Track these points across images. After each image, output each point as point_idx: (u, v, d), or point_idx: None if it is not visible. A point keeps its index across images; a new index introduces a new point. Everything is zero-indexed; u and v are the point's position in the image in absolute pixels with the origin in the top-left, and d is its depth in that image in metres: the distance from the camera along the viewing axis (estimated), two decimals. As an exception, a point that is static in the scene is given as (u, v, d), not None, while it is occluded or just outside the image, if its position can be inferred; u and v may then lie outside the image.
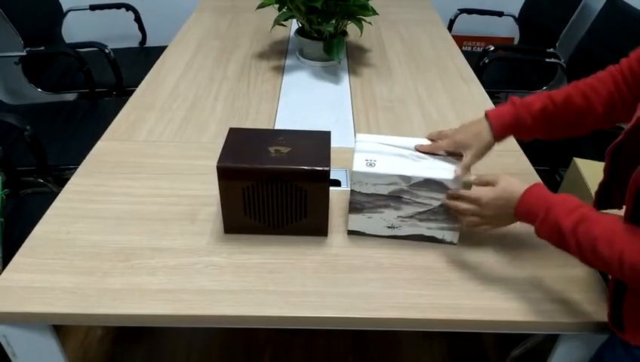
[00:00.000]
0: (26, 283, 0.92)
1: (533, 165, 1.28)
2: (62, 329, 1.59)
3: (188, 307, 0.89)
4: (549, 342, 1.01)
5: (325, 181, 0.96)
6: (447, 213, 0.99)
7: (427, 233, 1.02)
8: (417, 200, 0.98)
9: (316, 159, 0.96)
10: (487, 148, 0.98)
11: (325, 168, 0.94)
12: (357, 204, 1.00)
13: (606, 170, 0.90)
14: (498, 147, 1.34)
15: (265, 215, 1.00)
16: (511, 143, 1.38)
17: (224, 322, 0.90)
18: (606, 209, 0.94)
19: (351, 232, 1.05)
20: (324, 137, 1.03)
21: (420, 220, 1.01)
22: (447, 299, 0.92)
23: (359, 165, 0.97)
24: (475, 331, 0.93)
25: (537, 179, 1.23)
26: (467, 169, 0.97)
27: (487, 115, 0.98)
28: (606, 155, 0.88)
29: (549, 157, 1.74)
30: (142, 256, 0.98)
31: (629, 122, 0.84)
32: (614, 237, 0.73)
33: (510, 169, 1.27)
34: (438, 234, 1.02)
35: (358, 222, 1.03)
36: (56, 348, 0.97)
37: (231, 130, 1.05)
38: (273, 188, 0.96)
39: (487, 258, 1.01)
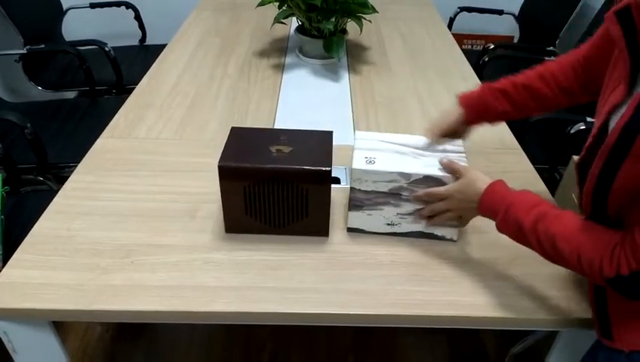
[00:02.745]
0: (27, 280, 0.92)
1: (533, 164, 1.28)
2: (62, 326, 1.59)
3: (187, 303, 0.89)
4: (549, 338, 1.01)
5: (327, 181, 0.96)
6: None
7: (426, 230, 1.03)
8: (417, 197, 0.98)
9: (318, 159, 0.96)
10: (456, 123, 1.06)
11: (327, 168, 0.94)
12: (357, 202, 1.01)
13: (578, 183, 0.94)
14: (498, 145, 1.36)
15: (266, 214, 1.00)
16: (511, 142, 1.38)
17: (224, 318, 0.90)
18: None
19: (350, 229, 1.05)
20: (326, 137, 1.03)
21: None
22: (446, 295, 0.92)
23: (359, 163, 0.97)
24: (474, 327, 0.93)
25: (537, 177, 1.23)
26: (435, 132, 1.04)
27: (458, 98, 1.06)
28: (575, 170, 0.93)
29: (549, 155, 1.74)
30: (142, 253, 0.99)
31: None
32: (572, 233, 0.74)
33: (510, 167, 1.27)
34: (438, 231, 1.03)
35: (358, 219, 1.03)
36: (57, 344, 0.98)
37: (233, 129, 1.04)
38: (274, 188, 0.96)
39: (486, 254, 1.01)
